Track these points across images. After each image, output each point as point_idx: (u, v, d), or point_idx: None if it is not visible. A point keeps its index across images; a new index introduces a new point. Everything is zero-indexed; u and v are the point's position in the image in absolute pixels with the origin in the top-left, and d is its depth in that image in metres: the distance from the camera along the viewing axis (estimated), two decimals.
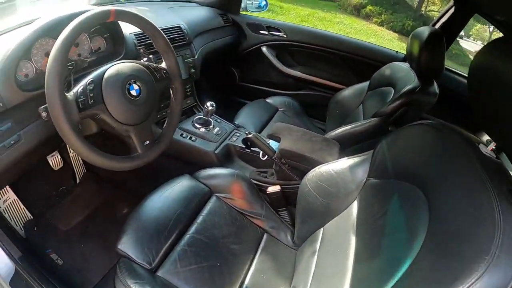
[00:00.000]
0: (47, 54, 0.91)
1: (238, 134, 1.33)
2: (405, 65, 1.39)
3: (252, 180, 1.13)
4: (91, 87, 0.80)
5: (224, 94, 2.11)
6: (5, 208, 1.18)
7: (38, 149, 0.92)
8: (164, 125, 1.01)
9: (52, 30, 0.88)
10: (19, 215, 1.26)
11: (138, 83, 0.87)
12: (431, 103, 1.25)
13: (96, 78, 0.83)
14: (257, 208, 1.05)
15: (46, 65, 0.90)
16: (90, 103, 0.79)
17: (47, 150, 1.23)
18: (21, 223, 1.25)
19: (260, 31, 1.94)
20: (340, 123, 1.64)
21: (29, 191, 1.29)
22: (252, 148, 1.24)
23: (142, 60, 1.00)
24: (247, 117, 1.54)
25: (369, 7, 7.94)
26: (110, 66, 0.86)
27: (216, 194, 1.05)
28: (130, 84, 0.85)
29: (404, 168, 0.74)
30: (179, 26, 1.44)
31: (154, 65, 0.96)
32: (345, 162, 0.92)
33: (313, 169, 0.95)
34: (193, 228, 0.94)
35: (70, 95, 0.77)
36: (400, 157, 0.78)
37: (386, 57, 1.74)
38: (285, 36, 1.91)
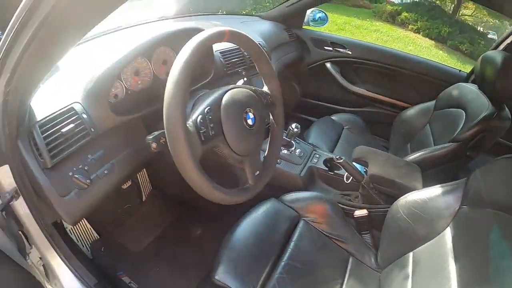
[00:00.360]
0: (136, 73, 0.91)
1: (317, 156, 1.31)
2: (473, 87, 1.38)
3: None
4: (210, 116, 0.73)
5: (286, 109, 2.10)
6: (71, 228, 1.11)
7: (127, 178, 0.87)
8: (266, 152, 0.96)
9: (146, 49, 0.87)
10: (86, 235, 1.19)
11: (253, 111, 0.82)
12: (506, 127, 1.24)
13: (213, 105, 0.75)
14: (342, 231, 1.05)
15: (135, 84, 0.90)
16: (211, 134, 0.72)
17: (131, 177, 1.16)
18: (87, 244, 1.19)
19: (325, 47, 1.95)
20: (405, 142, 1.63)
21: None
22: (335, 171, 1.23)
23: (239, 83, 0.99)
24: (318, 136, 1.54)
25: (404, 13, 7.73)
26: (225, 92, 0.80)
27: (303, 218, 1.05)
28: (246, 113, 0.80)
29: (502, 199, 0.75)
30: (259, 43, 1.45)
31: (260, 90, 0.92)
32: (438, 189, 0.92)
33: (404, 195, 0.95)
34: (287, 255, 0.94)
35: (189, 125, 0.69)
36: (497, 188, 0.78)
37: (450, 76, 1.73)
38: (350, 53, 1.90)
